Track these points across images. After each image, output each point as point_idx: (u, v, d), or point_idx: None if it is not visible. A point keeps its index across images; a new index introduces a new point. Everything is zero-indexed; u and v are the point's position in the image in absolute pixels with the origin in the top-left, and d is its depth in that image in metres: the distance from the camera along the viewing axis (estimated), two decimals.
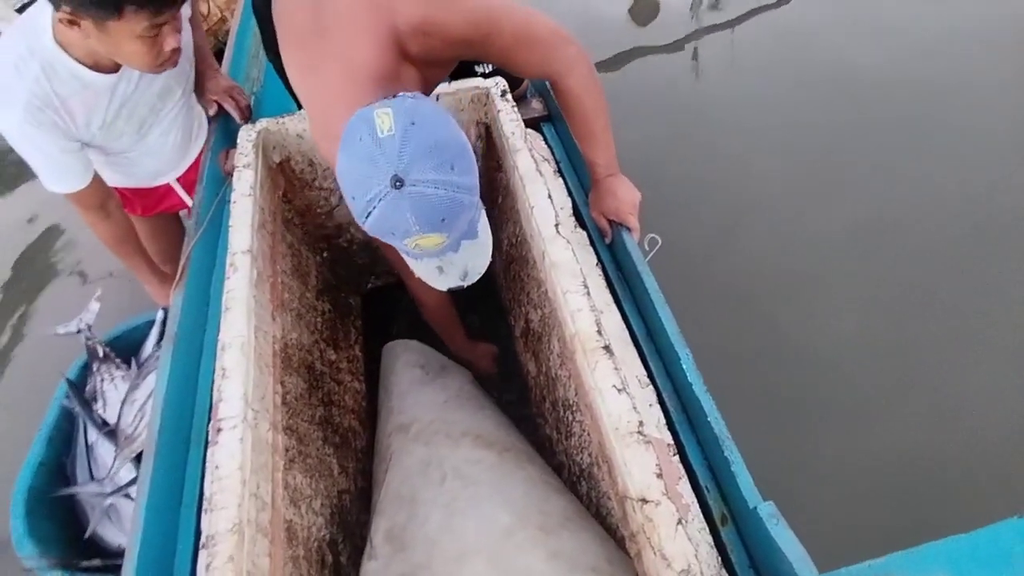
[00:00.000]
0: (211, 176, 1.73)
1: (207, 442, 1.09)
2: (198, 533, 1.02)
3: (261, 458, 1.10)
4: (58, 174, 1.63)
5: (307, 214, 1.78)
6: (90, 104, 1.59)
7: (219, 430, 1.06)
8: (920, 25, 4.05)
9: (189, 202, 2.12)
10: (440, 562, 1.13)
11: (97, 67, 1.54)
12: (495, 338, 1.93)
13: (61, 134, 1.57)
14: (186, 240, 1.58)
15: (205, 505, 0.99)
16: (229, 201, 1.49)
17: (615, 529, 1.14)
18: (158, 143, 1.88)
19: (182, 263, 1.51)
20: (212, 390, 1.14)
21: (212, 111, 1.93)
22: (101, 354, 2.04)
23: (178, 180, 2.07)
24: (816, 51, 3.97)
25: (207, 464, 1.04)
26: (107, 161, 1.85)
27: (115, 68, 1.58)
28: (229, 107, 1.91)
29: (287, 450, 1.26)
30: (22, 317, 3.18)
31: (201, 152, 2.08)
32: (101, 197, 1.74)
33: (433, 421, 1.45)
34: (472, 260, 1.14)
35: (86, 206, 1.72)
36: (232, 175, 1.51)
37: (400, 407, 1.56)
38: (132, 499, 1.78)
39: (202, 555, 0.94)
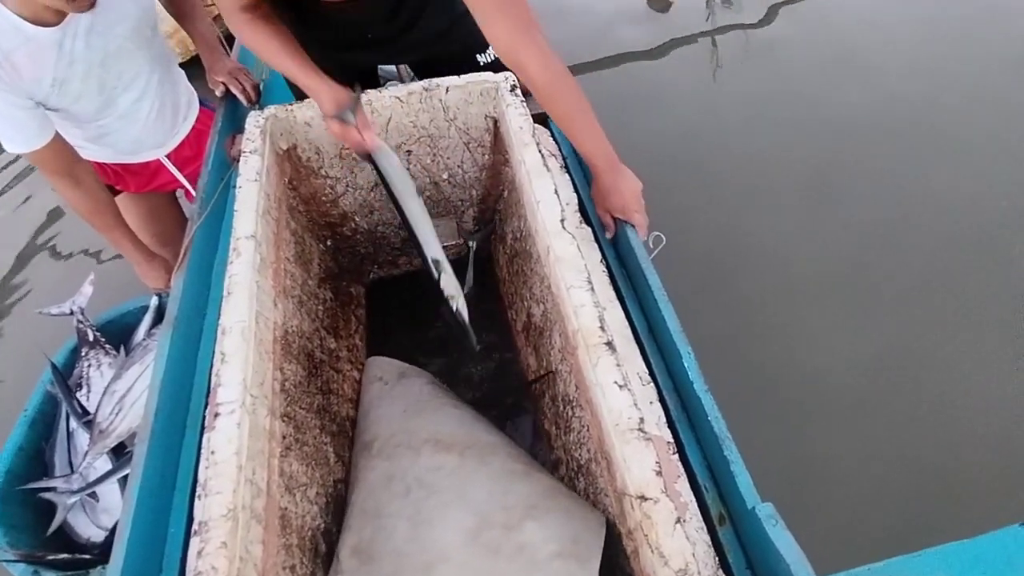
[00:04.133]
0: (216, 160, 1.72)
1: (203, 428, 1.09)
2: (190, 519, 1.02)
3: (258, 444, 1.10)
4: (11, 131, 1.60)
5: (312, 202, 1.77)
6: (36, 59, 1.56)
7: (216, 415, 1.05)
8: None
9: (183, 179, 2.11)
10: (408, 573, 1.14)
11: (36, 20, 1.51)
12: (498, 332, 1.92)
13: (8, 89, 1.54)
14: (189, 224, 1.57)
15: (199, 491, 0.99)
16: (234, 186, 1.48)
17: (612, 525, 1.14)
18: (131, 109, 1.85)
19: (184, 246, 1.50)
20: (210, 375, 1.13)
21: (219, 92, 1.93)
22: (91, 338, 2.02)
23: (169, 157, 2.05)
24: (829, 52, 3.96)
25: (203, 449, 1.03)
26: (84, 134, 1.83)
27: (56, 21, 1.54)
28: (235, 89, 1.90)
29: (284, 437, 1.25)
30: (16, 293, 3.18)
31: (193, 130, 2.07)
32: (66, 162, 1.70)
33: (393, 435, 1.45)
34: None
35: (50, 171, 1.69)
36: (238, 160, 1.51)
37: (363, 426, 1.57)
38: (97, 500, 1.77)
39: (194, 541, 0.93)
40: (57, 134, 1.67)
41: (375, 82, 2.07)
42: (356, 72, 1.70)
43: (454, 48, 1.83)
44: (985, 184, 3.05)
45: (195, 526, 0.95)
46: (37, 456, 1.85)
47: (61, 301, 2.11)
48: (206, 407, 1.10)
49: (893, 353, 2.46)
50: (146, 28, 1.77)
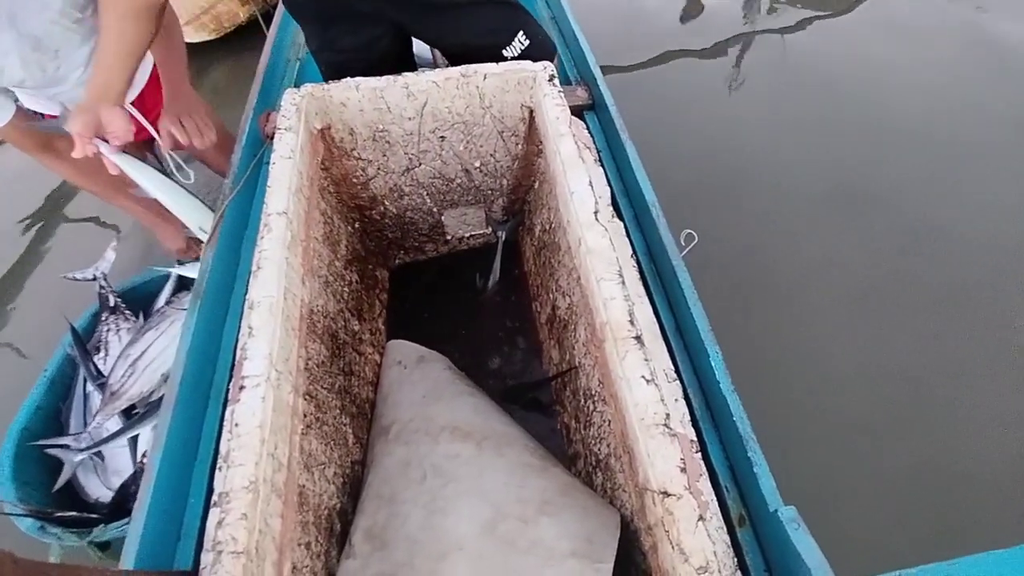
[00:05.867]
0: (250, 137, 1.73)
1: (226, 401, 1.09)
2: (210, 490, 1.02)
3: (281, 419, 1.10)
4: None
5: (343, 183, 1.77)
6: None
7: (242, 388, 1.05)
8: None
9: (148, 126, 1.99)
10: (422, 560, 1.13)
11: None
12: (522, 324, 1.92)
13: None
14: (221, 199, 1.58)
15: (220, 462, 0.99)
16: (266, 163, 1.48)
17: (629, 522, 1.13)
18: (84, 77, 1.76)
19: (215, 220, 1.51)
20: (235, 349, 1.13)
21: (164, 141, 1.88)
22: (112, 303, 2.05)
23: (133, 105, 1.96)
24: (862, 60, 3.93)
25: (226, 422, 1.03)
26: (44, 96, 1.76)
27: None
28: (172, 141, 1.84)
29: (305, 415, 1.26)
30: (41, 257, 3.22)
31: (151, 77, 2.02)
32: (37, 137, 1.66)
33: (412, 420, 1.45)
34: None
35: (27, 147, 1.65)
36: (271, 137, 1.51)
37: (382, 411, 1.57)
38: (103, 460, 1.81)
39: (214, 512, 0.93)
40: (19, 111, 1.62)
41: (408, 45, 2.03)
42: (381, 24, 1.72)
43: (472, 37, 1.80)
44: (1018, 196, 3.02)
45: (215, 497, 0.95)
46: (55, 416, 1.89)
47: (85, 266, 2.13)
48: (230, 381, 1.11)
49: (921, 363, 2.43)
50: (74, 11, 1.67)
